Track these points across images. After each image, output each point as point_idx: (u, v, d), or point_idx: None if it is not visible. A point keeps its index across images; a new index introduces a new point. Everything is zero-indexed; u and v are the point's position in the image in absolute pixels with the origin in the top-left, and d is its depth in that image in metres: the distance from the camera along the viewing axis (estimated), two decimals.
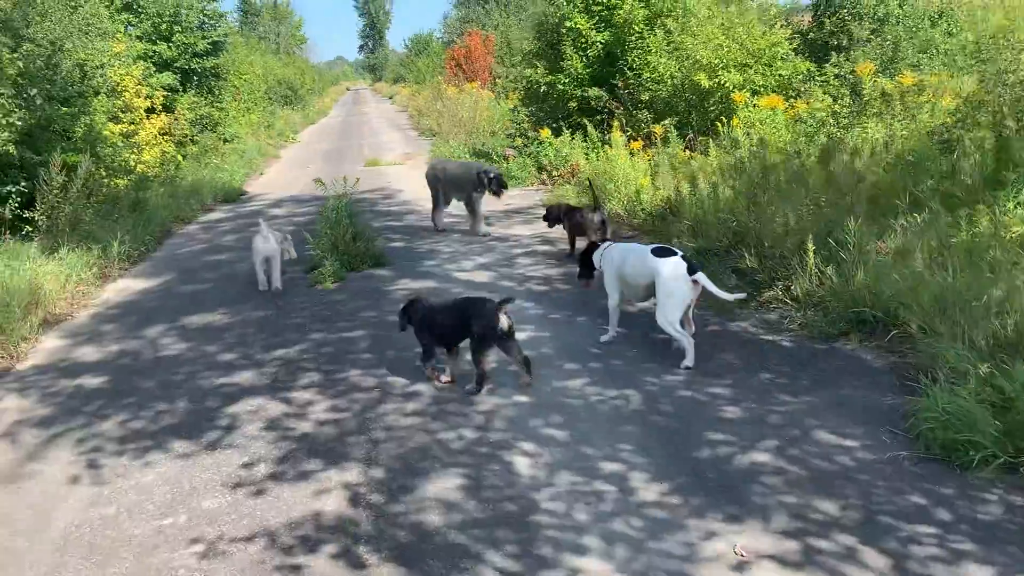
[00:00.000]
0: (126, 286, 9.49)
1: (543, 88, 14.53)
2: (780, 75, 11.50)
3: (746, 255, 7.27)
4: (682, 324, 5.53)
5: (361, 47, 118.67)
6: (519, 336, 5.52)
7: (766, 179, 8.20)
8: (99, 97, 15.53)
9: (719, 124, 10.66)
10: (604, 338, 6.16)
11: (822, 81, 11.30)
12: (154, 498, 4.44)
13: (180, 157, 18.15)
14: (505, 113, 23.75)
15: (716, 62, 11.23)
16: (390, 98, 61.34)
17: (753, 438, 4.61)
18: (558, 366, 5.84)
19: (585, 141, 13.19)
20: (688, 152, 11.04)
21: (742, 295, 5.94)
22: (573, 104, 14.57)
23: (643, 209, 9.69)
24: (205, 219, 14.19)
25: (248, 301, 8.27)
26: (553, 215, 9.29)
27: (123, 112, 16.11)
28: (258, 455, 4.85)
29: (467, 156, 16.53)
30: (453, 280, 8.56)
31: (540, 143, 14.56)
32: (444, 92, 27.17)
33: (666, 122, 11.63)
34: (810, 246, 6.36)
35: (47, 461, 4.97)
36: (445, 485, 4.35)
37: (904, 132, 8.59)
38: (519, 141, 14.93)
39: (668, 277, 5.37)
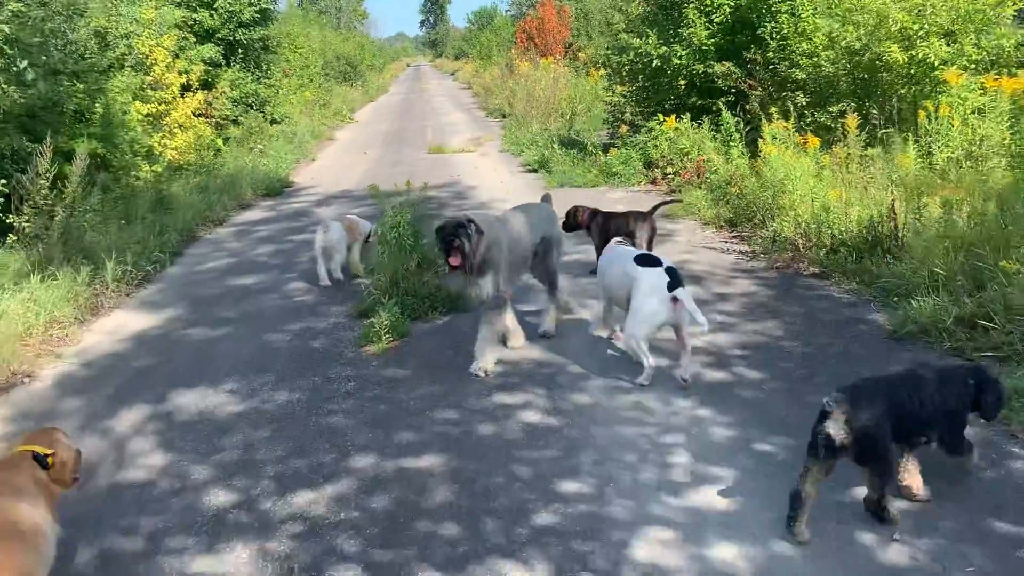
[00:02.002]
0: (118, 325, 7.03)
1: (655, 63, 11.62)
2: (999, 46, 8.40)
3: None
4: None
5: (422, 23, 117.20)
6: None
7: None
8: (123, 71, 13.22)
9: (921, 111, 7.66)
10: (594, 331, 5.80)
11: None
12: None
13: (219, 141, 15.80)
14: (588, 92, 20.88)
15: (915, 28, 8.19)
16: (452, 74, 58.82)
17: None
18: None
19: (717, 131, 10.30)
20: (867, 151, 8.08)
21: (706, 327, 4.74)
22: (682, 82, 11.66)
23: (834, 236, 6.80)
24: (240, 220, 11.74)
25: (271, 365, 5.72)
26: (570, 221, 7.12)
27: (152, 90, 13.77)
28: None
29: (553, 146, 13.71)
30: (571, 337, 5.88)
31: (650, 131, 11.70)
32: (517, 68, 24.35)
33: (834, 109, 8.68)
34: None
35: None
36: None
37: None
38: (624, 130, 12.07)
39: (643, 289, 4.83)
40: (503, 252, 5.35)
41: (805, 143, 8.16)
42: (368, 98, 37.28)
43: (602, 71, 23.88)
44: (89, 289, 7.53)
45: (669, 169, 11.04)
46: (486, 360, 5.29)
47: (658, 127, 11.55)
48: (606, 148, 12.29)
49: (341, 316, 6.70)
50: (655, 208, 7.11)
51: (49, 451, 3.29)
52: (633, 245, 6.29)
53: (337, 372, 5.52)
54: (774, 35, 10.38)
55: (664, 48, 11.64)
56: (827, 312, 6.02)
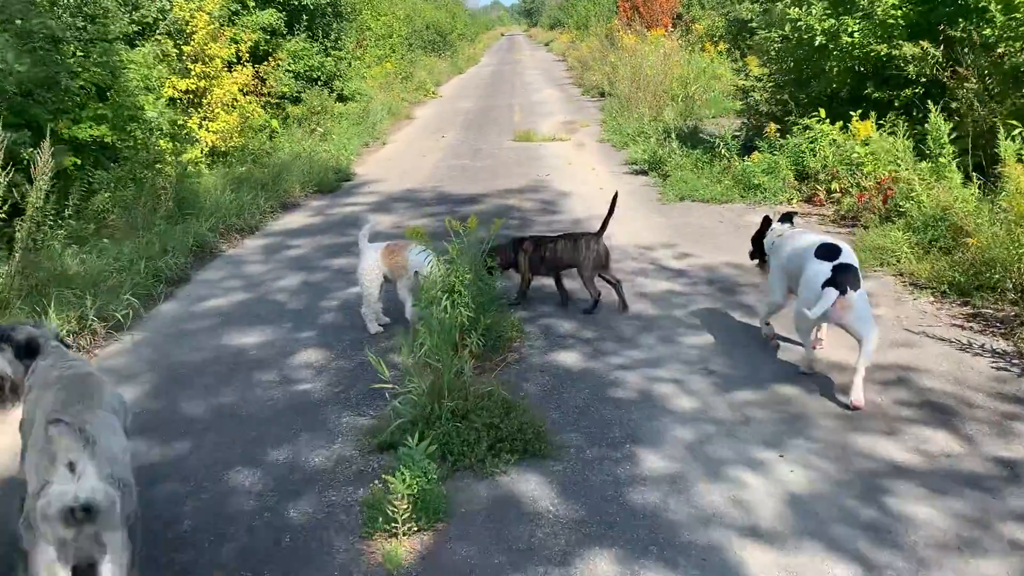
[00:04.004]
0: None
1: (818, 39, 8.67)
2: None
3: None
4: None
5: None
6: None
7: None
8: (151, 40, 11.11)
9: None
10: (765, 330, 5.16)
11: None
12: None
13: (275, 123, 13.61)
14: (703, 72, 17.83)
15: None
16: (546, 44, 55.81)
17: None
18: None
19: (911, 138, 7.36)
20: None
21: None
22: (838, 68, 8.69)
23: None
24: (277, 227, 9.48)
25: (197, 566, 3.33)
26: (505, 259, 5.91)
27: (192, 62, 11.64)
28: None
29: (670, 143, 10.84)
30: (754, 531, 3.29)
31: (805, 130, 8.81)
32: (620, 41, 21.39)
33: None
34: None
35: None
36: None
37: None
38: (772, 129, 9.16)
39: (810, 280, 4.32)
40: None
41: None
42: (456, 70, 34.84)
43: (720, 46, 20.79)
44: None
45: (835, 186, 8.16)
46: None
47: (818, 126, 8.65)
48: (744, 150, 9.42)
49: (351, 437, 4.26)
50: (605, 224, 5.77)
51: None
52: (583, 278, 5.76)
53: None
54: (998, 4, 7.31)
55: (832, 20, 8.68)
56: None
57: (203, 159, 11.53)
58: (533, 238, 6.04)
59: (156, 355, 5.69)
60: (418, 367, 4.14)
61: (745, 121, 11.02)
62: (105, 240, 7.17)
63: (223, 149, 11.79)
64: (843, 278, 4.18)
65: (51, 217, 6.77)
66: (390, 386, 4.16)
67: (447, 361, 4.11)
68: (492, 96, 24.11)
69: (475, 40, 55.42)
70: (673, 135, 10.88)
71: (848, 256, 4.38)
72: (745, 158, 9.29)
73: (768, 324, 5.14)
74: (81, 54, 9.16)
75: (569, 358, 5.08)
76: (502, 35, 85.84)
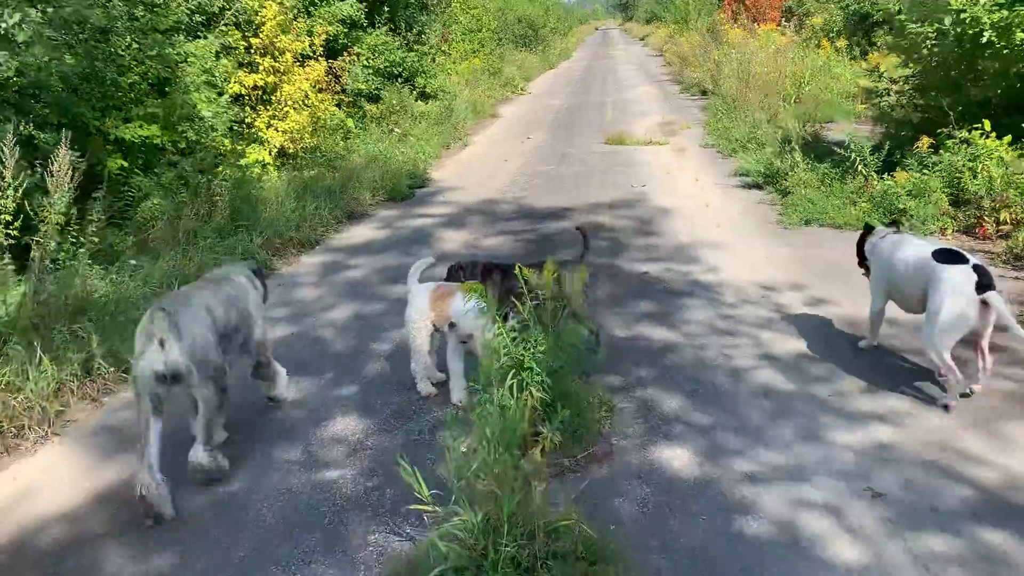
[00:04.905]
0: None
1: (986, 35, 7.07)
2: None
3: None
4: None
5: None
6: None
7: None
8: (217, 31, 10.31)
9: None
10: (862, 343, 4.89)
11: None
12: None
13: (350, 122, 12.72)
14: (818, 70, 16.05)
15: None
16: (641, 39, 53.87)
17: None
18: None
19: None
20: None
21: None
22: (1007, 70, 7.07)
23: None
24: (339, 241, 8.53)
25: None
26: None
27: (261, 56, 10.82)
28: None
29: (792, 153, 9.26)
30: None
31: (963, 145, 7.24)
32: (727, 35, 19.75)
33: None
34: None
35: None
36: None
37: None
38: (925, 143, 7.53)
39: (947, 289, 4.06)
40: None
41: None
42: (547, 65, 33.62)
43: (840, 42, 18.89)
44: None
45: (1004, 216, 6.59)
46: None
47: (981, 140, 7.07)
48: (885, 167, 7.86)
49: (376, 573, 3.14)
50: (584, 251, 5.02)
51: None
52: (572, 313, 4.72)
53: None
54: None
55: (1003, 12, 7.07)
56: None
57: (271, 161, 10.72)
58: (502, 266, 4.92)
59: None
60: (468, 487, 2.97)
61: (885, 130, 9.38)
62: (132, 261, 6.25)
63: (292, 151, 10.94)
64: (987, 278, 4.01)
65: (74, 232, 5.92)
66: (429, 510, 3.00)
67: (508, 481, 2.92)
68: (583, 93, 22.79)
69: (568, 34, 54.04)
70: (795, 144, 9.36)
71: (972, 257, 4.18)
72: (884, 175, 7.76)
73: (877, 345, 4.84)
74: (136, 46, 8.40)
75: (676, 458, 3.82)
76: (596, 29, 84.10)
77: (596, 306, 5.91)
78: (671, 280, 6.45)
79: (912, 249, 4.42)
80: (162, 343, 3.46)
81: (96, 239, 6.05)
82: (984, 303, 3.99)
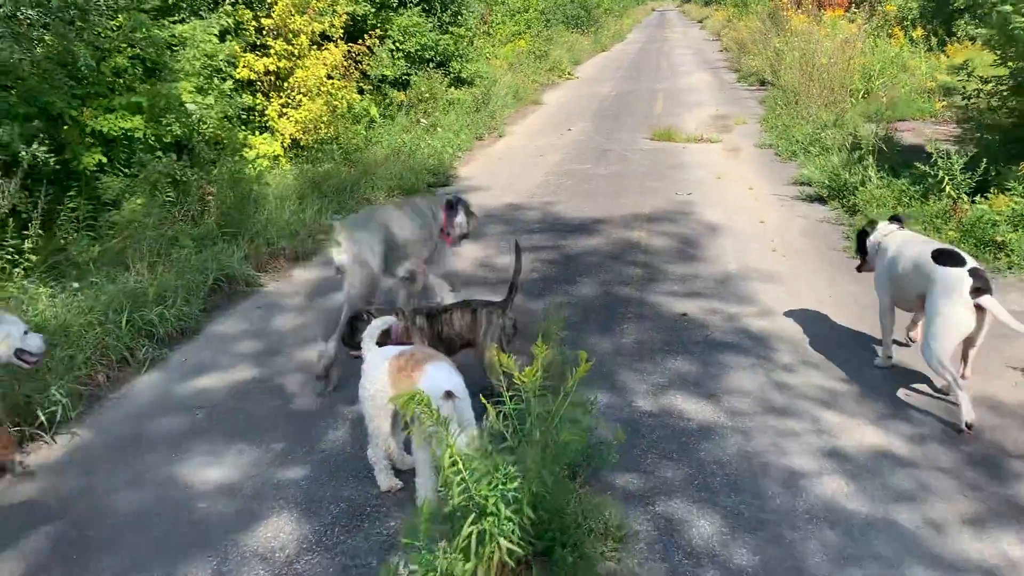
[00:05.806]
0: None
1: None
2: None
3: None
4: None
5: None
6: None
7: None
8: (221, 10, 9.36)
9: None
10: (877, 361, 4.60)
11: None
12: None
13: (373, 111, 11.74)
14: (890, 62, 14.52)
15: None
16: (699, 22, 51.82)
17: None
18: None
19: None
20: None
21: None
22: None
23: None
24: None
25: None
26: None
27: (273, 38, 9.87)
28: None
29: (866, 166, 7.94)
30: None
31: None
32: (788, 22, 18.24)
33: None
34: None
35: None
36: None
37: None
38: None
39: (942, 292, 3.99)
40: None
41: None
42: (599, 47, 32.17)
43: (917, 32, 17.24)
44: None
45: None
46: None
47: None
48: (978, 188, 6.56)
49: None
50: (512, 291, 4.24)
51: None
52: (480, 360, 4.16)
53: None
54: None
55: None
56: None
57: (283, 154, 9.82)
58: (422, 310, 4.34)
59: (77, 485, 3.83)
60: None
61: (976, 139, 8.03)
62: (75, 283, 5.33)
63: (305, 143, 10.00)
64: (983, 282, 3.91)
65: (8, 247, 5.05)
66: None
67: None
68: (634, 79, 21.45)
69: (623, 15, 52.23)
70: (868, 152, 8.06)
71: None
72: (977, 197, 6.48)
73: (890, 357, 4.59)
74: (118, 27, 7.51)
75: None
76: (653, 10, 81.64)
77: (617, 359, 4.82)
78: (714, 327, 5.32)
79: (914, 248, 4.38)
80: (338, 243, 4.65)
81: (34, 256, 5.17)
82: (979, 307, 3.91)
